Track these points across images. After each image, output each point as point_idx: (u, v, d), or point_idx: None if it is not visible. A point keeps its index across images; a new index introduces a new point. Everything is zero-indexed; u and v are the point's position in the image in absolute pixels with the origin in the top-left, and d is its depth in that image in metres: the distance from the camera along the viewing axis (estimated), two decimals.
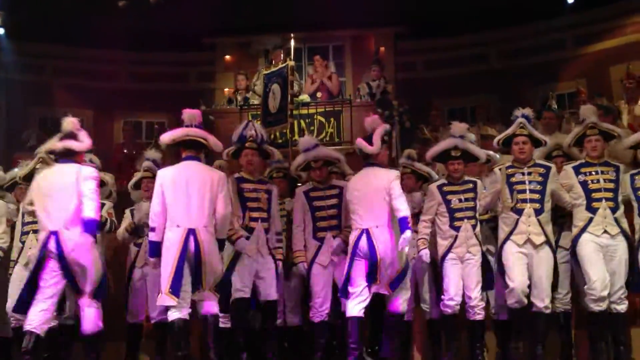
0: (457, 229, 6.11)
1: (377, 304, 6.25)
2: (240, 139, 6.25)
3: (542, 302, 5.92)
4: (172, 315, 5.50)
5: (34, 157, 6.76)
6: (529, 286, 5.94)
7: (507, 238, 6.02)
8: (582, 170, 6.12)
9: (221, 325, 6.74)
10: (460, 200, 6.15)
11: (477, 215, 6.18)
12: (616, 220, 5.97)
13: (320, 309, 6.19)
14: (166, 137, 5.81)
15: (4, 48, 11.60)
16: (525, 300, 5.93)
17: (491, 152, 6.87)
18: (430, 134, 9.86)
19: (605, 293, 5.84)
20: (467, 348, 6.29)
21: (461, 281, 6.09)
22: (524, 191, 6.02)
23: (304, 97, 10.36)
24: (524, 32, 12.05)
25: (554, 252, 6.02)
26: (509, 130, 6.23)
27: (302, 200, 6.34)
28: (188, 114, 5.88)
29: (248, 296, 6.04)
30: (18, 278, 6.43)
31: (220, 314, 6.13)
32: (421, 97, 11.45)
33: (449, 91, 12.26)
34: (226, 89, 11.11)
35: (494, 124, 10.14)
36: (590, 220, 5.97)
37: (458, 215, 6.12)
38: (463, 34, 12.15)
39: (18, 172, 6.97)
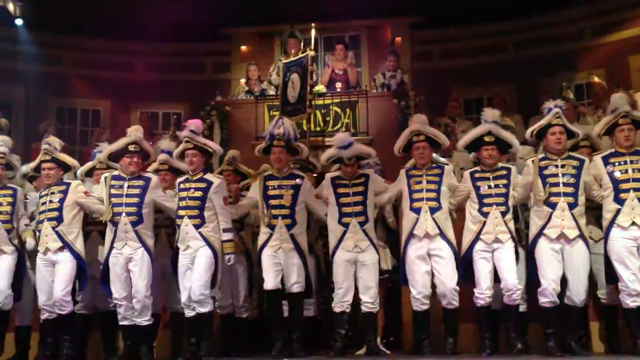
0: (485, 215, 6.04)
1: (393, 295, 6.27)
2: (269, 137, 6.46)
3: (578, 296, 5.85)
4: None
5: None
6: (563, 281, 5.85)
7: (540, 232, 5.91)
8: (611, 160, 5.97)
9: (237, 315, 6.82)
10: (489, 187, 6.09)
11: (509, 203, 6.08)
12: None
13: (342, 299, 6.21)
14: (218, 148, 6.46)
15: (23, 39, 11.67)
16: (558, 300, 5.85)
17: None
18: (448, 126, 9.80)
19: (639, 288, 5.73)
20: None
21: (491, 273, 6.00)
22: (557, 184, 5.90)
23: (320, 88, 10.34)
24: (542, 21, 11.90)
25: (588, 246, 5.91)
26: (544, 121, 6.09)
27: (329, 186, 6.46)
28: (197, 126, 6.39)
29: (274, 288, 6.19)
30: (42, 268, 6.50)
31: (240, 304, 6.65)
32: (438, 87, 11.38)
33: (466, 81, 12.17)
34: (242, 80, 11.09)
35: (511, 115, 10.07)
36: (618, 211, 5.83)
37: (487, 201, 6.06)
38: (480, 23, 12.03)
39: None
